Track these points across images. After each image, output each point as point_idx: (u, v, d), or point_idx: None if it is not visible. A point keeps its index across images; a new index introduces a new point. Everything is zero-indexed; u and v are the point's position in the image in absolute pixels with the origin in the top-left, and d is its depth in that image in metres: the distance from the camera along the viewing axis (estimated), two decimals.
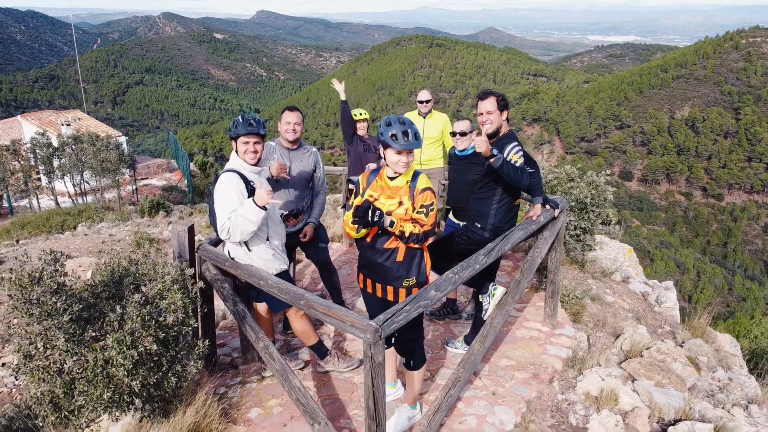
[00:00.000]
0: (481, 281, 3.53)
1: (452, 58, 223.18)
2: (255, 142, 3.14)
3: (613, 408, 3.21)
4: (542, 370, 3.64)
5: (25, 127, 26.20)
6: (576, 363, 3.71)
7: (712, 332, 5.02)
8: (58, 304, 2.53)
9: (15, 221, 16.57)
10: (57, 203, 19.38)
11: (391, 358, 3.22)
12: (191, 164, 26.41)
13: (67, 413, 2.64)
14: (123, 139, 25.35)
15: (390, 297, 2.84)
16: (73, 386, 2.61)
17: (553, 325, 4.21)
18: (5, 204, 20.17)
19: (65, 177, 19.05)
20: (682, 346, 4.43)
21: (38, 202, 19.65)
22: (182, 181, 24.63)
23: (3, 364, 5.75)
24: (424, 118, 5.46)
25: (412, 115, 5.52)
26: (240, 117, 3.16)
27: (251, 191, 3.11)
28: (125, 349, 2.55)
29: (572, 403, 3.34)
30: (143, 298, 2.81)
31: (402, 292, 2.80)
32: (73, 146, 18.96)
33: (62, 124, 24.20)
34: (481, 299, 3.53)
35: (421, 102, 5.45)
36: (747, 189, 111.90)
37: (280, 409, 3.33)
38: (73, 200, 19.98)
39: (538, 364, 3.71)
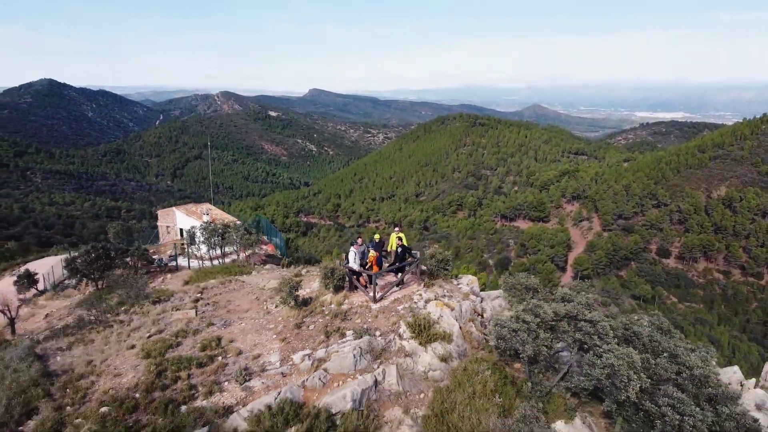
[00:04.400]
0: (398, 272, 15.64)
1: (495, 136, 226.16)
2: (358, 245, 15.34)
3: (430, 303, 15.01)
4: (409, 295, 15.31)
5: (177, 215, 38.46)
6: (412, 294, 15.59)
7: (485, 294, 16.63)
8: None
9: (197, 271, 26.58)
10: (202, 263, 30.14)
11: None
12: (276, 239, 38.23)
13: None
14: (239, 222, 37.32)
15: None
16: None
17: (420, 288, 16.04)
18: (172, 263, 32.63)
19: (211, 249, 30.49)
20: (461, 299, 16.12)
21: (189, 262, 30.50)
22: (276, 251, 35.47)
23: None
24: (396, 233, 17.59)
25: (393, 234, 17.62)
26: (352, 242, 15.50)
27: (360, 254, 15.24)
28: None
29: (418, 301, 15.02)
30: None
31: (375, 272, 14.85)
32: (222, 229, 31.23)
33: (203, 214, 36.45)
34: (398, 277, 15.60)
35: (395, 230, 17.59)
36: None
37: (360, 295, 15.23)
38: (211, 261, 31.09)
39: (409, 294, 15.40)
